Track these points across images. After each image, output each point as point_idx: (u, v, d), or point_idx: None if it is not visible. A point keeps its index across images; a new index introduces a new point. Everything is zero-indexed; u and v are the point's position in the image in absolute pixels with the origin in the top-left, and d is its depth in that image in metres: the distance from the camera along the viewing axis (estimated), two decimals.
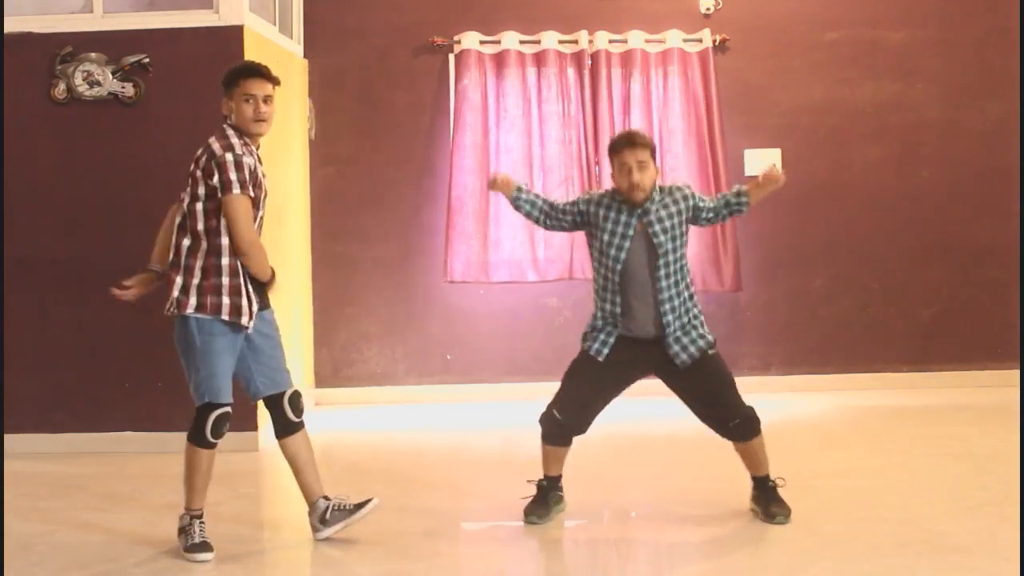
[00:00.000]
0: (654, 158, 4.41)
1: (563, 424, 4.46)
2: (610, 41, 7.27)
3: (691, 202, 4.47)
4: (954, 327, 7.40)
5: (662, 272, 4.36)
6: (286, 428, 4.32)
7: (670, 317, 4.37)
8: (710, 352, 4.42)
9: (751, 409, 4.44)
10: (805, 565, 3.97)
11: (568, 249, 7.15)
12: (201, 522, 4.26)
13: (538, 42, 7.30)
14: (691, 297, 4.46)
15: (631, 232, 4.37)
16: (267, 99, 4.21)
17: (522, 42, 7.31)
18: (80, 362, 6.10)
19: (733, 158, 7.34)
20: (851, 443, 5.92)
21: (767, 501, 4.48)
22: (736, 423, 4.41)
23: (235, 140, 4.15)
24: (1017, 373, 7.06)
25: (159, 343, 6.06)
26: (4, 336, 6.03)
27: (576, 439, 4.53)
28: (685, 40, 7.29)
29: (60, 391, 6.11)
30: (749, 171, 7.37)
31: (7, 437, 5.88)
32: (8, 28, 6.06)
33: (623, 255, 4.36)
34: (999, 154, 7.35)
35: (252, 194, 4.12)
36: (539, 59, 7.28)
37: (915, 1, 7.40)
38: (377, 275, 7.41)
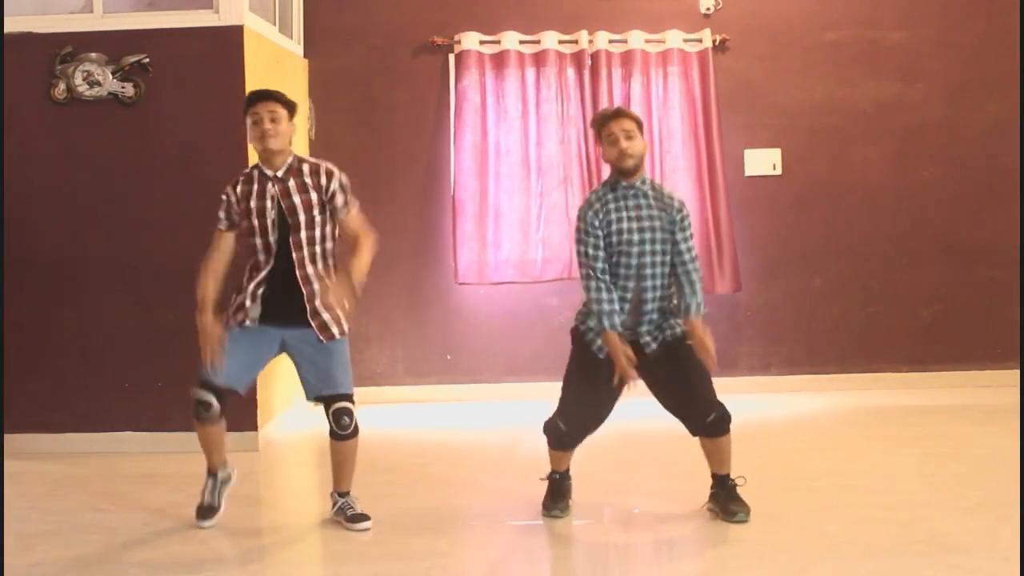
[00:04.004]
0: (641, 132, 4.45)
1: (567, 434, 4.47)
2: (610, 41, 7.27)
3: (675, 216, 4.43)
4: (954, 327, 7.40)
5: (648, 260, 4.37)
6: (332, 433, 4.59)
7: (650, 306, 4.39)
8: (688, 343, 4.41)
9: (724, 406, 4.45)
10: (805, 565, 3.97)
11: (567, 249, 7.14)
12: (214, 479, 4.64)
13: (538, 42, 7.29)
14: (666, 297, 4.45)
15: (624, 220, 4.39)
16: (273, 117, 4.46)
17: (522, 42, 7.30)
18: (80, 362, 6.10)
19: (733, 158, 7.34)
20: (851, 443, 5.92)
21: (726, 499, 4.50)
22: (712, 418, 4.42)
23: (243, 175, 4.59)
24: (1017, 373, 7.06)
25: (159, 343, 6.09)
26: (4, 336, 6.03)
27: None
28: (685, 40, 7.29)
29: (60, 391, 6.10)
30: (749, 171, 7.37)
31: (7, 437, 5.88)
32: (8, 28, 6.06)
33: (635, 236, 4.37)
34: (999, 154, 7.34)
35: (226, 225, 4.56)
36: (539, 59, 7.28)
37: (915, 1, 7.39)
38: (377, 275, 7.35)
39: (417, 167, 7.42)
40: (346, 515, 4.57)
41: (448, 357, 7.43)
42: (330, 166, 4.57)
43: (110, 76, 6.04)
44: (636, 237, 4.38)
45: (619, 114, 4.48)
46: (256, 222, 4.47)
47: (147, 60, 6.05)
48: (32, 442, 6.03)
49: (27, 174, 6.09)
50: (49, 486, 5.39)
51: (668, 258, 4.42)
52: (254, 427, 6.01)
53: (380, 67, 7.39)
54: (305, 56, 7.30)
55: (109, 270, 6.10)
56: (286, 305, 4.46)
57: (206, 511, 4.61)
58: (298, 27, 7.22)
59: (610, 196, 4.44)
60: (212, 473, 4.67)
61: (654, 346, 4.41)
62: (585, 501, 4.77)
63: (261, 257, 4.50)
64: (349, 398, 4.55)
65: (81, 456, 5.96)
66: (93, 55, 6.04)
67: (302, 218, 4.45)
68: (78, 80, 6.03)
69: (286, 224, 4.45)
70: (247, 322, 4.47)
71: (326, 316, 4.48)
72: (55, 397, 6.10)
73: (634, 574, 4.21)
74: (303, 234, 4.45)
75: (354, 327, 7.15)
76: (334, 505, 4.64)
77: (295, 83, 7.03)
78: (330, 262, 4.55)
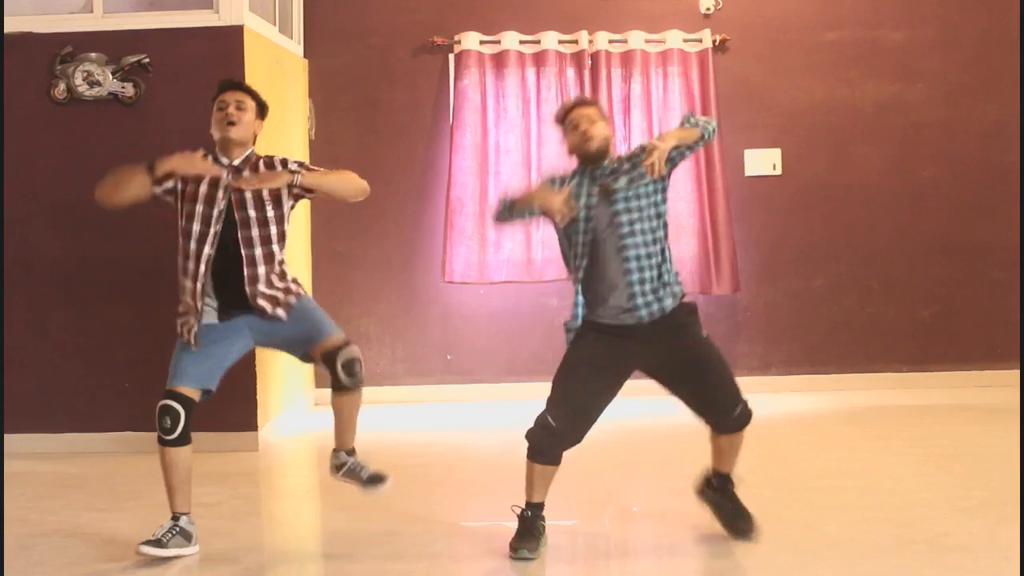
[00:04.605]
0: (604, 119, 4.25)
1: (556, 431, 4.14)
2: (610, 41, 7.27)
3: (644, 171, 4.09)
4: (954, 327, 7.40)
5: (628, 240, 4.09)
6: (335, 385, 4.30)
7: (637, 288, 4.08)
8: (704, 335, 4.18)
9: (745, 397, 4.23)
10: (805, 565, 3.97)
11: None
12: (174, 521, 4.18)
13: (538, 42, 7.29)
14: (662, 264, 4.13)
15: (594, 200, 4.12)
16: (239, 106, 4.22)
17: (522, 42, 7.30)
18: (80, 362, 6.11)
19: (733, 158, 7.34)
20: (851, 443, 5.92)
21: (733, 514, 4.30)
22: (739, 412, 4.18)
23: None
24: (1017, 373, 7.06)
25: (159, 343, 6.07)
26: (4, 336, 6.03)
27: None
28: (685, 40, 7.29)
29: (60, 391, 6.11)
30: (749, 171, 7.38)
31: (7, 437, 5.89)
32: (8, 28, 6.06)
33: (591, 224, 4.11)
34: (999, 154, 7.35)
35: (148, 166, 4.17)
36: (539, 59, 7.28)
37: (915, 1, 7.40)
38: (377, 274, 7.41)
39: (417, 167, 7.42)
40: (361, 478, 4.39)
41: (448, 357, 7.43)
42: (284, 157, 4.30)
43: (110, 76, 6.04)
44: (592, 223, 4.11)
45: (581, 103, 4.31)
46: (200, 208, 4.13)
47: (147, 60, 6.05)
48: (32, 442, 6.03)
49: (27, 174, 6.10)
50: (49, 486, 5.39)
51: (651, 233, 4.11)
52: (254, 427, 6.01)
53: (380, 67, 7.40)
54: (305, 56, 7.30)
55: (109, 270, 6.10)
56: (237, 292, 4.17)
57: (153, 542, 4.12)
58: (298, 27, 7.22)
59: (575, 179, 4.18)
60: (174, 516, 4.21)
61: (643, 313, 4.08)
62: (585, 501, 4.76)
63: (194, 248, 4.14)
64: (348, 343, 4.26)
65: (81, 456, 5.96)
66: (93, 55, 6.04)
67: (252, 214, 4.14)
68: (78, 80, 6.03)
69: (233, 220, 4.14)
70: (196, 333, 4.17)
71: (265, 299, 4.18)
72: (55, 397, 6.11)
73: (634, 574, 4.21)
74: (254, 232, 4.15)
75: (354, 327, 7.26)
76: (340, 468, 4.41)
77: (295, 83, 7.04)
78: (282, 269, 4.25)
